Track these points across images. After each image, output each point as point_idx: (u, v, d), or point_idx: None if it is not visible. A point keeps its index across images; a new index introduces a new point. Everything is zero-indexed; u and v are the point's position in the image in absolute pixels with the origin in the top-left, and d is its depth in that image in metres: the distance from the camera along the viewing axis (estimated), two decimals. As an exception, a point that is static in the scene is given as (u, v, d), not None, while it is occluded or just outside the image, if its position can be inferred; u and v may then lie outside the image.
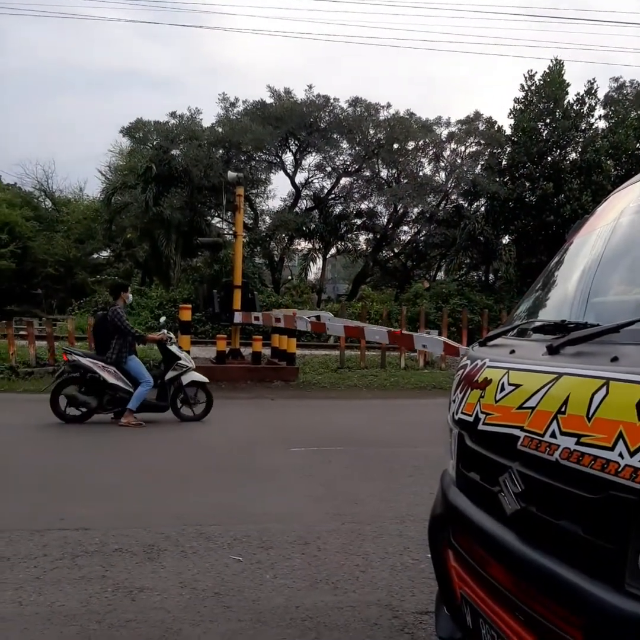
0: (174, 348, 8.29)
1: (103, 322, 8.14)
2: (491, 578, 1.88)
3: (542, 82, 25.92)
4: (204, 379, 8.40)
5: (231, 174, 14.31)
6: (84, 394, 7.92)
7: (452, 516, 2.23)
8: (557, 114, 25.58)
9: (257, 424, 8.37)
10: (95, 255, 37.24)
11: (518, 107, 26.39)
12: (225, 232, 27.41)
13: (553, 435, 1.60)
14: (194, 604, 3.08)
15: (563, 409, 1.60)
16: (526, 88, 26.27)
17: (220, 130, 25.65)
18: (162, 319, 9.68)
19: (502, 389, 1.92)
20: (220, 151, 25.69)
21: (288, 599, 3.15)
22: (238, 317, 12.82)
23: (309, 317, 10.65)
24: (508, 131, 26.89)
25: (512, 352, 2.09)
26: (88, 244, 34.35)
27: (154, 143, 26.32)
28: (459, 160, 27.50)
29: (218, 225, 28.64)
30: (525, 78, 26.20)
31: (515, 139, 26.32)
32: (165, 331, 8.50)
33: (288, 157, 27.80)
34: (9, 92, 71.32)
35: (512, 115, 26.58)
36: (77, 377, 7.94)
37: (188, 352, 8.67)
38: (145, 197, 24.26)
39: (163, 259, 26.02)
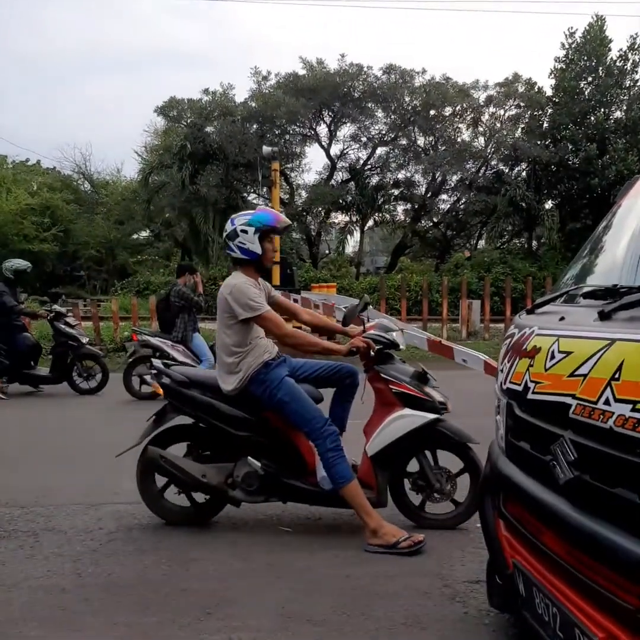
0: None
1: (166, 302, 8.30)
2: (544, 547, 1.87)
3: (583, 40, 24.97)
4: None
5: (266, 149, 14.26)
6: None
7: (503, 486, 2.22)
8: (599, 71, 24.64)
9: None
10: (135, 236, 37.81)
11: (559, 66, 25.51)
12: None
13: (607, 402, 1.56)
14: (247, 574, 3.15)
15: (617, 376, 1.56)
16: (567, 46, 25.36)
17: (253, 104, 25.55)
18: None
19: (552, 356, 1.88)
20: (255, 126, 25.61)
21: (338, 568, 3.19)
22: None
23: (347, 307, 10.53)
24: (549, 92, 26.06)
25: (562, 319, 2.05)
26: (128, 224, 34.87)
27: (188, 121, 26.39)
28: (498, 125, 26.82)
29: (254, 201, 28.67)
30: (566, 36, 25.30)
31: (557, 100, 25.50)
32: None
33: (322, 129, 27.57)
34: (43, 75, 72.36)
35: (552, 75, 25.73)
36: (148, 356, 8.20)
37: None
38: (182, 176, 24.43)
39: (202, 237, 26.25)
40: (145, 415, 7.69)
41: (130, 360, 8.33)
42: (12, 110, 65.07)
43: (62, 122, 67.68)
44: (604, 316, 1.77)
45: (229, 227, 3.69)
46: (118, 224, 35.02)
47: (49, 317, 8.74)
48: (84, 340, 8.77)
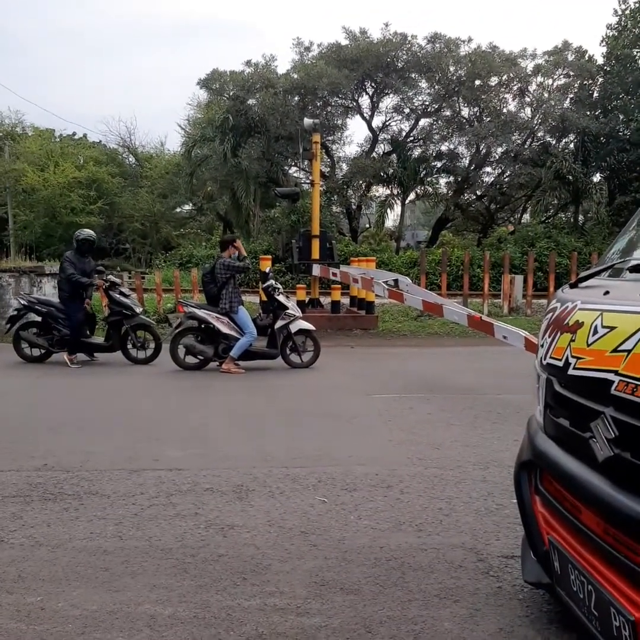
0: (281, 298, 8.57)
1: (211, 275, 8.42)
2: (581, 524, 1.84)
3: (637, 5, 23.88)
4: (311, 327, 8.71)
5: (307, 121, 14.14)
6: (201, 343, 8.41)
7: (540, 462, 2.19)
8: (655, 38, 23.59)
9: (338, 371, 8.47)
10: (178, 209, 38.15)
11: (611, 33, 24.52)
12: (302, 181, 27.32)
13: (651, 379, 1.52)
14: (282, 541, 3.20)
15: (663, 352, 1.51)
16: (620, 12, 24.33)
17: (295, 76, 25.24)
18: (268, 269, 9.94)
19: (595, 331, 1.83)
20: (296, 98, 25.34)
21: (373, 539, 3.22)
22: (317, 270, 12.85)
23: (386, 281, 10.44)
24: (600, 60, 25.09)
25: (606, 293, 1.99)
26: (171, 198, 35.18)
27: (231, 94, 26.28)
28: (546, 95, 25.92)
29: (295, 174, 28.57)
30: (619, 2, 24.25)
31: (608, 69, 24.54)
32: (273, 282, 8.78)
33: (364, 101, 27.11)
34: (89, 49, 72.92)
35: (604, 43, 24.75)
36: (194, 328, 8.42)
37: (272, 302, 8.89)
38: (224, 149, 24.42)
39: (243, 210, 26.31)
40: (190, 384, 7.95)
41: (177, 331, 8.51)
42: (59, 84, 65.97)
43: (108, 95, 68.30)
44: (650, 290, 1.71)
45: None
46: (162, 197, 35.35)
47: (104, 287, 8.95)
48: (138, 310, 8.98)
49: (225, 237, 9.35)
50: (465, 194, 28.93)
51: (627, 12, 24.17)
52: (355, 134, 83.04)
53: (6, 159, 32.25)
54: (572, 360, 1.91)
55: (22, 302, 9.12)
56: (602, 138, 23.98)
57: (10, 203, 31.78)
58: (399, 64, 25.28)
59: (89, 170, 32.84)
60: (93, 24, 75.92)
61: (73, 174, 31.40)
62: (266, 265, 11.64)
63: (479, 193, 28.96)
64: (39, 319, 8.97)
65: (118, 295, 8.84)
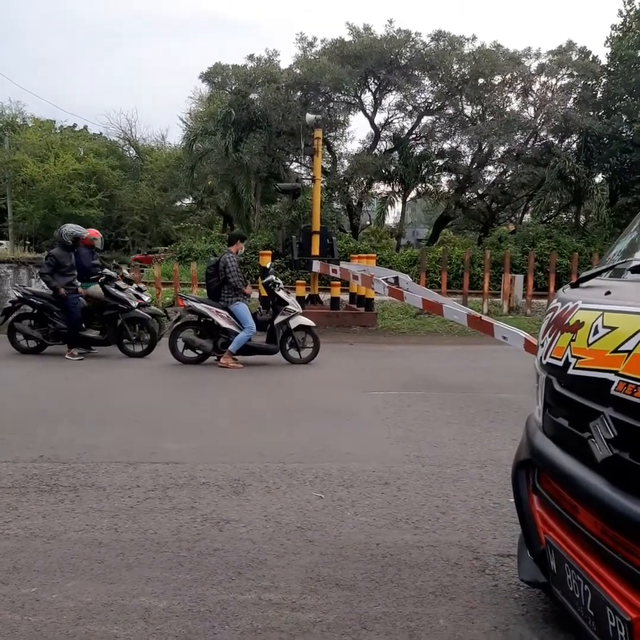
0: (281, 293, 8.55)
1: (215, 268, 8.40)
2: (579, 524, 1.84)
3: (642, 6, 23.87)
4: (311, 323, 8.70)
5: (309, 117, 14.11)
6: (200, 338, 8.40)
7: (538, 461, 2.19)
8: (659, 39, 23.53)
9: (337, 368, 8.47)
10: (178, 203, 38.08)
11: (615, 34, 24.47)
12: (304, 177, 27.26)
13: (652, 379, 1.51)
14: (278, 536, 3.20)
15: (664, 352, 1.51)
16: (625, 13, 24.29)
17: (298, 71, 25.16)
18: (268, 264, 9.90)
19: (596, 331, 1.83)
20: (299, 93, 25.28)
21: (369, 535, 3.22)
22: (316, 267, 12.83)
23: (386, 279, 10.41)
24: (604, 61, 25.05)
25: (608, 293, 1.99)
26: (171, 191, 35.12)
27: (233, 88, 26.20)
28: (549, 94, 25.87)
29: (296, 170, 28.50)
30: (624, 3, 24.22)
31: (612, 69, 24.50)
32: (274, 277, 8.76)
33: (367, 97, 27.08)
34: (91, 41, 72.70)
35: (608, 44, 24.69)
36: (193, 322, 8.41)
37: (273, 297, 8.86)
38: (225, 143, 24.36)
39: (243, 205, 26.24)
40: (188, 379, 7.95)
41: (176, 325, 8.50)
42: (60, 75, 65.78)
43: (109, 87, 68.23)
44: (652, 291, 1.71)
45: None
46: (162, 190, 35.27)
47: (100, 281, 8.91)
48: (134, 304, 8.93)
49: (235, 233, 9.34)
50: (467, 193, 28.91)
51: (632, 13, 24.14)
52: (357, 131, 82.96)
53: (6, 150, 32.14)
54: (572, 360, 1.91)
55: (17, 294, 9.11)
56: (605, 139, 23.96)
57: (10, 194, 31.67)
58: (403, 61, 25.22)
59: (89, 162, 32.70)
60: (95, 14, 75.82)
61: (73, 165, 31.27)
62: (266, 261, 11.62)
63: (480, 192, 28.93)
64: (34, 310, 8.96)
65: (114, 289, 8.81)
